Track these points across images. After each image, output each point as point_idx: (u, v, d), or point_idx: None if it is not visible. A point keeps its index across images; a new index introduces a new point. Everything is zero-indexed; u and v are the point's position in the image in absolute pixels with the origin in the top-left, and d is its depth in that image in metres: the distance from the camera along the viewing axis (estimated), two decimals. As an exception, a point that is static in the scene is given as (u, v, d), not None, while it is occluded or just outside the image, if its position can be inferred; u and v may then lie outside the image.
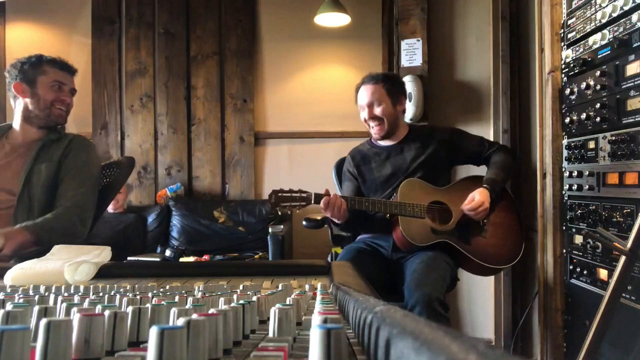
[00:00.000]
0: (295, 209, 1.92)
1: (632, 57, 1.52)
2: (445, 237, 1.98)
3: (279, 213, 1.96)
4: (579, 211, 1.83)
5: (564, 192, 1.95)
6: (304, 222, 2.42)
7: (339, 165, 2.49)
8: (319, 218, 2.32)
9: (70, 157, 1.79)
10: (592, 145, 1.75)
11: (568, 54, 1.92)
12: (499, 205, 2.07)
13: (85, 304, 0.56)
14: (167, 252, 3.18)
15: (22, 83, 1.76)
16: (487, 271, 2.11)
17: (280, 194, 1.92)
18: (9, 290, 0.81)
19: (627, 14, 1.55)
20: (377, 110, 2.09)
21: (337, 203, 1.88)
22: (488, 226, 2.04)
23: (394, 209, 1.95)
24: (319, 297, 0.62)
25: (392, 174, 2.13)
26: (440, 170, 2.15)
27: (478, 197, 1.97)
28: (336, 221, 1.99)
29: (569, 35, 1.91)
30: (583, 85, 1.77)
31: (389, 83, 2.11)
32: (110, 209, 3.23)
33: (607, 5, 1.66)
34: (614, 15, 1.61)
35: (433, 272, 1.84)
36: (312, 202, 1.92)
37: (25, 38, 3.64)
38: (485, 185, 2.02)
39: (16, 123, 1.82)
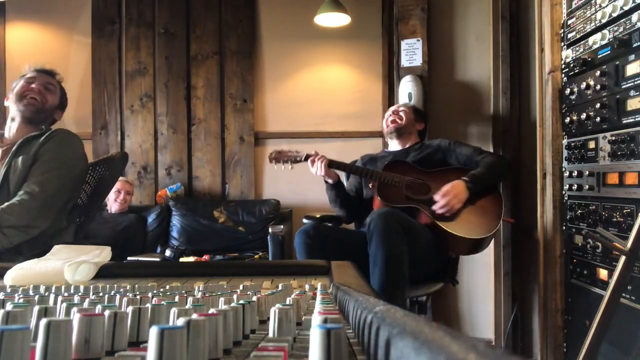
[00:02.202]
0: (288, 164, 2.30)
1: (632, 57, 1.52)
2: (416, 204, 2.09)
3: (275, 166, 2.35)
4: (579, 211, 1.83)
5: (564, 192, 1.95)
6: (304, 220, 2.45)
7: None
8: (317, 216, 2.38)
9: (45, 147, 1.82)
10: (592, 145, 1.75)
11: (568, 54, 1.92)
12: (482, 193, 2.12)
13: (85, 304, 0.56)
14: (167, 252, 3.18)
15: (9, 93, 1.96)
16: (459, 244, 2.05)
17: (279, 152, 2.35)
18: (9, 290, 0.81)
19: (627, 14, 1.55)
20: (402, 111, 2.44)
21: (320, 158, 2.22)
22: (465, 203, 2.09)
23: (375, 175, 2.14)
24: (319, 297, 0.62)
25: None
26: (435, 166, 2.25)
27: (450, 186, 2.06)
28: (328, 180, 2.25)
29: (569, 35, 1.91)
30: (583, 85, 1.77)
31: (415, 110, 2.52)
32: (114, 209, 3.23)
33: (607, 5, 1.66)
34: (614, 15, 1.61)
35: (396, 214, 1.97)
36: (303, 159, 2.27)
37: (25, 38, 3.64)
38: (463, 178, 2.08)
39: (7, 127, 1.93)
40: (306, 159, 2.26)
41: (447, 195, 2.04)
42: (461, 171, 2.17)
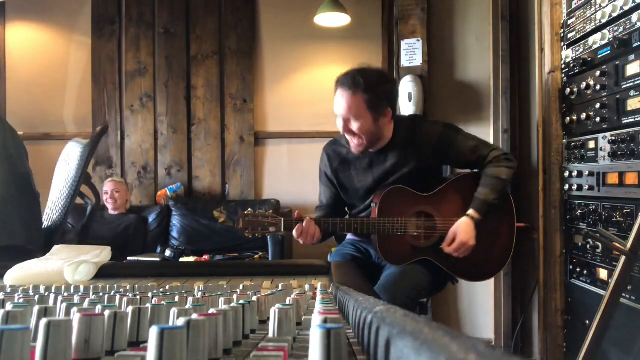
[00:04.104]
0: (265, 233, 1.83)
1: (632, 57, 1.52)
2: (425, 255, 1.82)
3: (250, 237, 1.87)
4: (579, 211, 1.83)
5: (564, 192, 1.95)
6: None
7: None
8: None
9: None
10: (592, 145, 1.75)
11: (568, 54, 1.92)
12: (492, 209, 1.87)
13: (85, 304, 0.56)
14: (167, 252, 3.18)
15: None
16: (471, 281, 2.02)
17: (248, 218, 1.84)
18: (9, 290, 0.81)
19: (627, 14, 1.55)
20: (354, 126, 1.76)
21: (310, 231, 1.76)
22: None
23: (372, 228, 1.79)
24: (319, 297, 0.62)
25: (374, 185, 1.91)
26: (428, 177, 1.88)
27: (460, 238, 1.72)
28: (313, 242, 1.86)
29: (569, 35, 1.91)
30: (583, 85, 1.77)
31: (371, 93, 1.72)
32: (111, 209, 3.23)
33: (607, 5, 1.66)
34: (614, 15, 1.61)
35: (405, 279, 1.75)
36: (282, 229, 1.81)
37: (25, 38, 3.64)
38: (471, 214, 1.75)
39: None
40: (286, 226, 1.79)
41: (456, 247, 1.73)
42: (465, 185, 1.84)
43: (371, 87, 1.73)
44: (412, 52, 3.00)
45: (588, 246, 1.76)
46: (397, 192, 1.84)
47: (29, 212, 1.78)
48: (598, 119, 1.69)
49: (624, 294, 1.41)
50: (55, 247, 1.21)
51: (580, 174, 1.82)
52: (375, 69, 1.86)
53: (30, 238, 1.73)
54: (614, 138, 1.61)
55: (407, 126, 1.89)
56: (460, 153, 1.83)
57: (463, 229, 1.72)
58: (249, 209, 1.89)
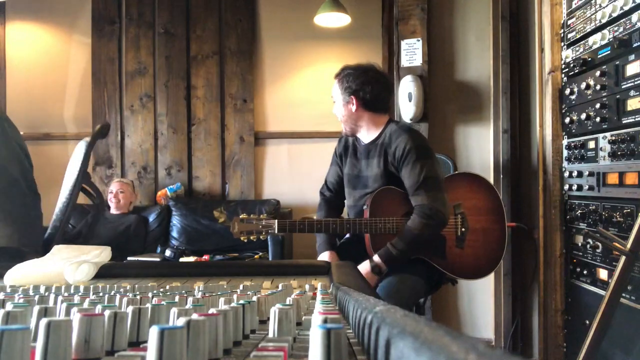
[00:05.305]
0: (260, 236, 1.90)
1: (632, 57, 1.52)
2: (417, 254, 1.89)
3: (245, 241, 1.92)
4: (579, 211, 1.83)
5: (564, 192, 1.95)
6: None
7: None
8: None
9: None
10: (592, 145, 1.75)
11: (568, 54, 1.92)
12: (482, 209, 1.95)
13: (85, 304, 0.56)
14: (167, 252, 3.18)
15: None
16: (466, 279, 2.04)
17: (242, 223, 1.90)
18: (9, 290, 0.81)
19: (627, 14, 1.55)
20: (334, 108, 2.04)
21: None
22: (467, 234, 1.91)
23: (364, 228, 1.86)
24: (319, 297, 0.62)
25: (358, 175, 2.02)
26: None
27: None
28: None
29: (569, 35, 1.91)
30: (583, 85, 1.77)
31: (340, 79, 1.99)
32: (113, 209, 3.24)
33: (607, 5, 1.66)
34: (614, 15, 1.61)
35: (405, 282, 1.81)
36: (276, 231, 1.90)
37: (25, 38, 3.63)
38: (374, 259, 1.83)
39: None
40: (281, 228, 1.91)
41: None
42: (457, 185, 1.98)
43: (341, 74, 2.00)
44: (412, 52, 3.00)
45: (588, 246, 1.76)
46: (387, 192, 1.91)
47: (23, 214, 1.78)
48: (598, 119, 1.69)
49: (624, 294, 1.41)
50: (55, 247, 1.21)
51: (580, 174, 1.82)
52: (362, 64, 2.03)
53: (24, 240, 1.73)
54: (614, 138, 1.61)
55: (392, 130, 1.97)
56: (405, 175, 1.86)
57: (361, 269, 1.79)
58: (244, 214, 1.95)
